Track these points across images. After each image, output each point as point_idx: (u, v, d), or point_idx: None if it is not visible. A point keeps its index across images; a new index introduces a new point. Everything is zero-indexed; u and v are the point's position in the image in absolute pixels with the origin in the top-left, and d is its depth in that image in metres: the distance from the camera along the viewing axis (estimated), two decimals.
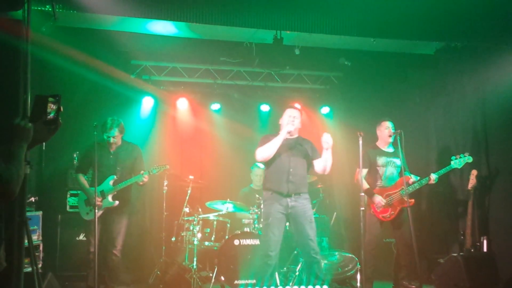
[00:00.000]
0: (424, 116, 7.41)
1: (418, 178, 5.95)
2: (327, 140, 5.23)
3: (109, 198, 5.69)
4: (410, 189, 5.85)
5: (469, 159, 5.91)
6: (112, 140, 5.74)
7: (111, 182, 5.71)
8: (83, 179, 5.86)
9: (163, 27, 6.33)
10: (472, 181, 6.13)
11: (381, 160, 6.06)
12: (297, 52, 6.82)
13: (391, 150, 6.15)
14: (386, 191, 5.95)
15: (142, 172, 5.72)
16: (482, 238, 6.14)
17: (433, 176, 5.84)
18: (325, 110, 8.40)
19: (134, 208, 7.11)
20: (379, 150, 6.14)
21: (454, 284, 5.79)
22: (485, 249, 6.07)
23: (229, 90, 8.08)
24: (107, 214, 5.72)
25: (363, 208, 5.55)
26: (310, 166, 5.45)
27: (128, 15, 5.80)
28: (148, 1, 5.61)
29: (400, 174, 5.96)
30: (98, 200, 5.48)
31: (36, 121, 2.60)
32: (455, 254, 5.99)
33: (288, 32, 6.29)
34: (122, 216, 5.79)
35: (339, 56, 7.35)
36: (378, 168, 6.05)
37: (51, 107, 2.64)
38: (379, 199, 5.91)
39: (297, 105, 5.70)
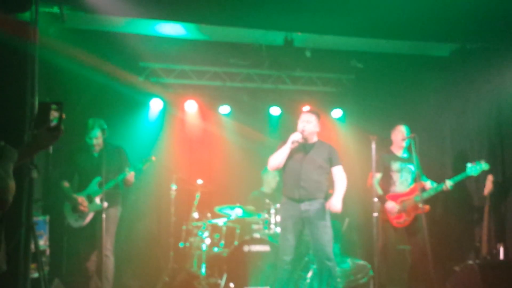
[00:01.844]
0: (438, 120, 7.27)
1: (435, 184, 5.84)
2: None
3: (97, 200, 5.54)
4: (425, 195, 5.75)
5: (486, 167, 5.78)
6: (94, 141, 5.59)
7: (97, 185, 5.56)
8: (64, 185, 5.70)
9: (172, 29, 6.25)
10: (489, 186, 5.99)
11: (395, 166, 5.98)
12: (308, 54, 6.73)
13: (406, 155, 6.07)
14: (400, 197, 5.86)
15: (126, 169, 5.59)
16: (498, 245, 5.99)
17: (448, 183, 5.73)
18: (337, 113, 8.28)
19: (141, 213, 7.07)
20: (393, 155, 6.06)
21: None
22: (501, 257, 5.92)
23: (238, 92, 7.99)
24: (97, 217, 5.56)
25: (376, 214, 5.47)
26: (327, 171, 5.38)
27: (136, 16, 5.75)
28: (157, 2, 5.57)
29: (415, 180, 5.87)
30: (84, 205, 5.43)
31: (39, 128, 2.67)
32: (470, 262, 5.84)
33: (299, 33, 6.20)
34: (111, 215, 5.63)
35: (351, 58, 7.25)
36: (392, 173, 5.98)
37: (54, 114, 2.69)
38: (391, 205, 5.83)
39: (307, 108, 5.55)
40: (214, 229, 6.28)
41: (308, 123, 5.33)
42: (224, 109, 8.00)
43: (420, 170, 5.96)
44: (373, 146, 5.58)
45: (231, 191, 7.62)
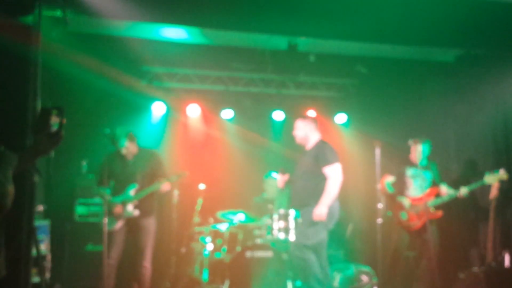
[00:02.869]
0: (443, 125, 7.23)
1: (451, 190, 5.88)
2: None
3: (129, 208, 5.52)
4: (438, 201, 5.83)
5: (504, 177, 5.74)
6: (124, 151, 5.58)
7: (131, 192, 5.54)
8: (103, 190, 5.61)
9: (175, 33, 6.23)
10: (494, 192, 5.96)
11: (409, 172, 6.03)
12: (312, 59, 6.71)
13: (423, 163, 6.11)
14: (413, 200, 5.92)
15: (161, 180, 5.57)
16: (504, 252, 5.94)
17: (463, 190, 5.76)
18: (341, 118, 8.25)
19: None
20: (409, 162, 6.12)
21: None
22: (507, 264, 5.87)
23: (241, 97, 7.98)
24: (132, 226, 5.58)
25: (380, 219, 5.46)
26: (317, 174, 5.15)
27: (139, 20, 5.73)
28: (160, 6, 5.56)
29: (430, 186, 5.99)
30: (118, 211, 5.43)
31: (39, 133, 2.62)
32: (476, 269, 5.79)
33: (303, 38, 6.18)
34: (149, 226, 5.63)
35: (355, 63, 7.24)
36: (406, 179, 6.03)
37: (55, 119, 2.64)
38: (405, 201, 5.91)
39: (306, 115, 5.52)
40: (216, 234, 6.23)
41: (297, 130, 5.33)
42: (227, 113, 7.98)
43: (438, 176, 6.05)
44: (377, 151, 5.56)
45: (233, 196, 7.58)
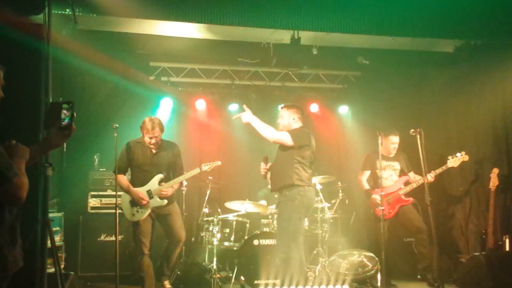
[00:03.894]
0: (444, 115, 7.34)
1: (418, 177, 6.23)
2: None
3: (157, 197, 5.48)
4: (407, 188, 6.20)
5: (465, 158, 6.15)
6: (154, 140, 5.51)
7: (158, 181, 5.52)
8: (123, 179, 5.60)
9: (181, 29, 6.35)
10: (494, 179, 6.11)
11: (380, 164, 6.15)
12: (314, 51, 6.80)
13: (391, 154, 6.44)
14: (385, 191, 6.10)
15: (198, 168, 5.61)
16: (504, 237, 6.08)
17: (429, 176, 5.96)
18: (343, 109, 8.36)
19: None
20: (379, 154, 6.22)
21: (476, 284, 5.72)
22: (507, 248, 6.00)
23: (247, 90, 8.08)
24: (157, 214, 5.55)
25: (382, 207, 5.59)
26: (291, 156, 5.00)
27: (147, 17, 5.85)
28: (167, 4, 5.65)
29: (399, 176, 6.37)
30: (145, 199, 5.41)
31: (50, 127, 2.69)
32: (477, 254, 5.93)
33: (305, 31, 6.29)
34: (176, 210, 5.67)
35: (357, 55, 7.29)
36: (377, 171, 6.23)
37: (65, 113, 2.71)
38: (376, 197, 6.20)
39: (292, 104, 5.40)
40: (225, 224, 6.37)
41: (281, 118, 5.29)
42: (233, 106, 8.09)
43: (406, 166, 6.40)
44: (380, 141, 5.69)
45: (240, 187, 7.73)
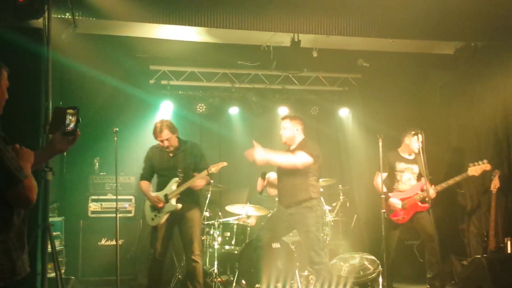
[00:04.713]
0: (445, 117, 7.34)
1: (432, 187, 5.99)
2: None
3: (173, 201, 5.43)
4: (425, 194, 5.90)
5: (487, 167, 5.96)
6: (166, 143, 5.46)
7: (174, 185, 5.47)
8: (144, 185, 5.60)
9: (181, 32, 6.36)
10: (495, 181, 6.09)
11: (400, 166, 6.10)
12: (314, 54, 6.80)
13: (411, 157, 6.21)
14: (402, 195, 6.04)
15: (205, 170, 5.44)
16: (506, 239, 6.06)
17: (450, 182, 5.94)
18: (344, 112, 8.34)
19: None
20: (399, 155, 6.16)
21: (478, 286, 5.71)
22: (509, 250, 5.99)
23: (247, 93, 8.06)
24: (176, 220, 5.50)
25: (384, 211, 5.57)
26: (303, 171, 5.09)
27: (146, 21, 5.83)
28: (166, 7, 5.63)
29: (417, 180, 6.11)
30: (160, 203, 5.38)
31: (54, 132, 2.70)
32: (478, 256, 5.92)
33: (305, 34, 6.28)
34: (194, 218, 5.52)
35: (357, 58, 7.30)
36: (396, 173, 6.10)
37: (70, 118, 2.71)
38: (394, 202, 5.98)
39: (294, 115, 5.45)
40: (225, 227, 6.36)
41: (285, 130, 5.28)
42: (233, 109, 8.08)
43: (425, 170, 6.09)
44: (380, 144, 5.67)
45: (241, 190, 7.71)
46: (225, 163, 5.65)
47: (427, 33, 6.28)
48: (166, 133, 5.43)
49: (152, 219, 5.50)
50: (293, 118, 5.34)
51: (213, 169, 5.52)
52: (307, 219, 5.04)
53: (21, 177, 2.30)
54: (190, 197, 5.52)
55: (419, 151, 5.84)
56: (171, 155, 5.55)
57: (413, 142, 6.07)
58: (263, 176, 5.40)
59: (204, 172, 5.48)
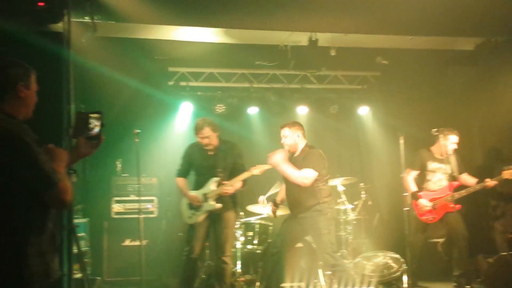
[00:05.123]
0: (466, 114, 7.25)
1: (474, 181, 5.94)
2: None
3: (211, 201, 5.36)
4: (457, 195, 5.86)
5: None
6: (206, 141, 5.39)
7: (213, 185, 5.40)
8: (181, 183, 5.55)
9: (199, 34, 6.38)
10: None
11: (432, 165, 6.05)
12: (332, 53, 6.79)
13: (443, 157, 6.06)
14: (432, 195, 5.98)
15: (247, 171, 5.36)
16: None
17: (491, 182, 5.83)
18: (364, 110, 8.30)
19: (178, 214, 7.21)
20: (432, 155, 6.12)
21: (503, 284, 5.66)
22: None
23: (265, 93, 8.06)
24: (212, 219, 5.44)
25: (407, 208, 5.54)
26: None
27: (164, 23, 5.89)
28: (184, 10, 5.67)
29: (449, 180, 6.00)
30: (198, 202, 5.34)
31: (78, 137, 2.72)
32: (504, 254, 5.85)
33: (323, 33, 6.27)
34: (229, 220, 5.48)
35: (375, 55, 7.27)
36: (427, 172, 6.06)
37: (94, 123, 2.73)
38: (423, 203, 5.92)
39: (293, 122, 5.38)
40: (248, 227, 6.36)
41: (284, 138, 5.23)
42: (252, 109, 8.09)
43: (457, 168, 6.08)
44: (401, 142, 5.63)
45: (263, 190, 7.71)
46: (269, 166, 5.42)
47: (446, 30, 6.23)
48: (207, 131, 5.36)
49: (190, 217, 5.45)
50: (292, 125, 5.29)
51: (256, 170, 5.40)
52: (318, 223, 5.06)
53: (56, 180, 2.32)
54: (228, 198, 5.47)
55: (452, 151, 5.85)
56: (211, 153, 5.48)
57: (447, 143, 5.98)
58: (275, 204, 5.53)
59: (246, 173, 5.40)
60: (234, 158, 5.54)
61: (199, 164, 5.48)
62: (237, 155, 5.58)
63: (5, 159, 2.25)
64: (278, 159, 5.00)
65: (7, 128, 2.30)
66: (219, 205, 5.36)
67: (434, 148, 6.13)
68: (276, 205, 5.63)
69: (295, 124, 5.33)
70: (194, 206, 5.40)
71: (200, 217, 5.37)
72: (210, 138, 5.40)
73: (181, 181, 5.56)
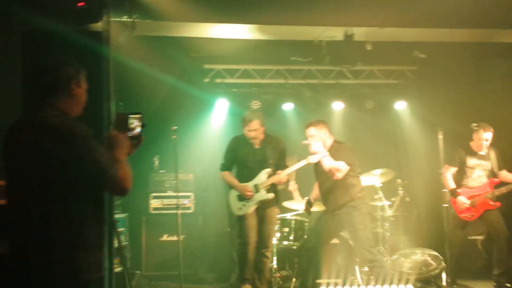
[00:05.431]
0: (508, 108, 7.06)
1: None
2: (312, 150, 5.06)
3: (263, 191, 5.42)
4: (497, 192, 5.75)
5: None
6: (253, 134, 5.43)
7: (265, 175, 5.44)
8: (228, 176, 5.60)
9: (233, 31, 6.41)
10: None
11: (471, 162, 5.93)
12: (368, 47, 6.71)
13: (483, 152, 6.01)
14: (471, 192, 5.86)
15: (305, 160, 5.25)
16: None
17: None
18: (401, 105, 8.18)
19: (213, 210, 7.29)
20: (471, 151, 6.01)
21: None
22: None
23: (301, 89, 8.04)
24: (258, 214, 5.50)
25: (446, 205, 5.45)
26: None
27: (200, 21, 5.94)
28: (220, 7, 5.71)
29: (488, 177, 5.92)
30: (250, 192, 5.37)
31: None
32: None
33: (358, 27, 6.21)
34: (273, 215, 5.59)
35: (412, 49, 7.15)
36: (466, 169, 5.95)
37: (135, 123, 2.84)
38: (462, 200, 5.81)
39: (317, 120, 5.37)
40: (283, 223, 6.36)
41: (311, 138, 5.23)
42: (287, 105, 8.08)
43: (497, 165, 5.96)
44: (440, 137, 5.54)
45: (299, 186, 7.70)
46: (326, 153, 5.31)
47: (486, 22, 6.08)
48: (256, 124, 5.40)
49: (240, 208, 5.48)
50: (317, 124, 5.32)
51: (314, 158, 5.22)
52: (353, 219, 5.08)
53: (113, 171, 2.44)
54: (275, 191, 5.51)
55: (487, 148, 5.79)
56: (257, 147, 5.49)
57: (480, 139, 5.89)
58: (309, 202, 5.57)
59: (303, 162, 5.31)
60: (280, 153, 5.55)
61: (245, 157, 5.47)
62: (282, 150, 5.59)
63: (65, 153, 2.37)
64: (319, 146, 5.04)
65: (66, 124, 2.42)
66: (271, 195, 5.38)
67: (473, 144, 6.01)
68: (310, 204, 5.66)
69: (320, 122, 5.35)
70: (244, 198, 5.41)
71: (251, 208, 5.40)
72: (258, 131, 5.42)
73: (227, 174, 5.59)
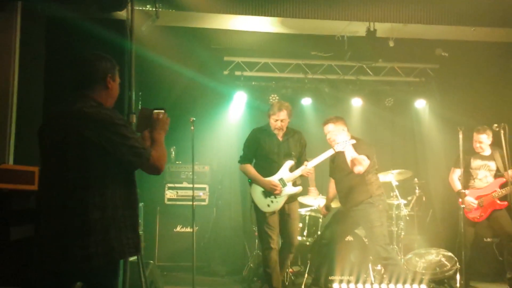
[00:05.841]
0: None
1: None
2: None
3: (289, 184, 5.11)
4: (503, 191, 5.70)
5: None
6: (279, 124, 5.16)
7: (289, 168, 5.16)
8: (251, 169, 5.22)
9: (255, 23, 6.39)
10: None
11: (475, 163, 5.90)
12: (391, 44, 6.65)
13: (487, 153, 5.97)
14: (478, 192, 5.85)
15: (331, 149, 5.09)
16: None
17: None
18: (420, 103, 8.09)
19: (227, 203, 7.29)
20: (474, 152, 6.00)
21: None
22: None
23: (320, 84, 8.00)
24: (281, 210, 5.19)
25: (463, 206, 5.40)
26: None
27: (222, 12, 5.94)
28: None
29: (495, 177, 5.87)
30: (278, 188, 5.06)
31: (142, 131, 2.90)
32: None
33: (382, 23, 6.15)
34: (296, 210, 5.33)
35: (435, 47, 7.06)
36: (471, 170, 5.94)
37: (159, 116, 2.90)
38: (470, 200, 5.81)
39: (335, 117, 5.33)
40: None
41: (331, 134, 5.19)
42: (306, 100, 8.04)
43: (502, 164, 5.85)
44: (460, 136, 5.47)
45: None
46: (353, 141, 5.19)
47: (509, 21, 5.99)
48: (283, 114, 5.17)
49: (268, 205, 5.12)
50: (336, 120, 5.26)
51: (340, 147, 5.08)
52: (370, 215, 5.06)
53: (148, 153, 2.62)
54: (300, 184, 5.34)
55: (481, 149, 5.84)
56: (280, 139, 5.27)
57: (475, 140, 5.94)
58: (328, 208, 5.59)
59: (330, 151, 5.15)
60: (301, 147, 5.38)
61: (269, 150, 5.21)
62: (304, 144, 5.42)
63: (105, 141, 2.52)
64: (343, 135, 5.05)
65: (104, 113, 2.56)
66: (299, 188, 5.18)
67: (474, 146, 5.99)
68: (328, 209, 5.71)
69: (339, 118, 5.31)
70: (271, 193, 5.11)
71: (281, 203, 5.13)
72: (284, 122, 5.20)
73: (249, 167, 5.25)
